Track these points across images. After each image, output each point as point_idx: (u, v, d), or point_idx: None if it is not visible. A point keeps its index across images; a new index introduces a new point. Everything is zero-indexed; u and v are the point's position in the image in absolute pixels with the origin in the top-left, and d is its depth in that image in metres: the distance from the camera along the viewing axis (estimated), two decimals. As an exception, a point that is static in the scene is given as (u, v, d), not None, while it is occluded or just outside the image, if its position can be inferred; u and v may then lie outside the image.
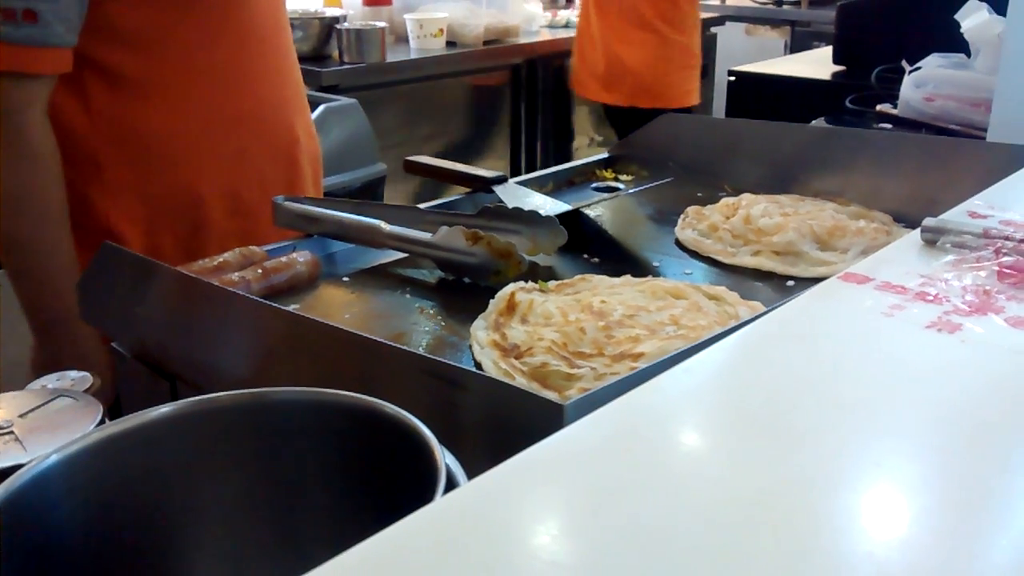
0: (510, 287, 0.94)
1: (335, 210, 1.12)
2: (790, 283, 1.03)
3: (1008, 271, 0.68)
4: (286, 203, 1.14)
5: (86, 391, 0.79)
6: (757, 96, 2.41)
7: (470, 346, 0.88)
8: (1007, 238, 0.72)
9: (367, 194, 2.26)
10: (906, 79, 1.77)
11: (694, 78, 3.02)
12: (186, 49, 1.19)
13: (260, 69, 1.28)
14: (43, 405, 0.73)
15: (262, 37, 1.28)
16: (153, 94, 1.17)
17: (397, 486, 0.56)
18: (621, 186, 1.42)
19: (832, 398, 0.54)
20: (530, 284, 0.97)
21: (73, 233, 1.17)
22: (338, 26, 2.96)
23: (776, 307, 0.69)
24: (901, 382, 0.56)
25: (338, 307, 1.01)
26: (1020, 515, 0.44)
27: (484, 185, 1.26)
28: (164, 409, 0.60)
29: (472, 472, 0.47)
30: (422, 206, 1.18)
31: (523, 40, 3.58)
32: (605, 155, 1.50)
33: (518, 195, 1.23)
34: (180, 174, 1.21)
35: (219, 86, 1.23)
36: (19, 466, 0.55)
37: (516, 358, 0.82)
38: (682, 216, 1.21)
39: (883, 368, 0.58)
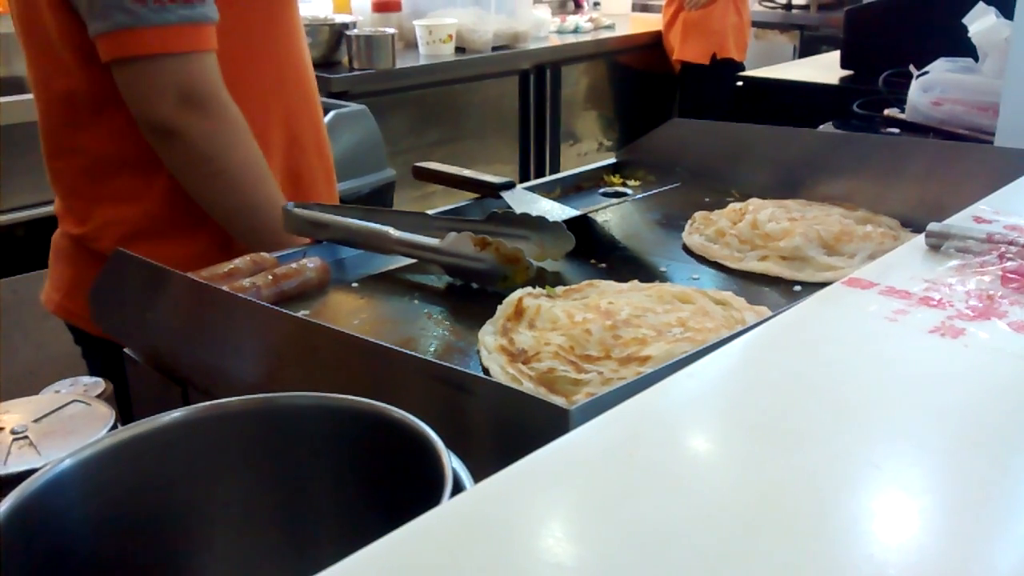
0: (518, 292, 0.95)
1: (344, 216, 1.13)
2: (797, 288, 1.03)
3: (1012, 276, 0.69)
4: (295, 209, 1.15)
5: (98, 397, 0.80)
6: (765, 101, 2.41)
7: (478, 351, 0.88)
8: (1011, 243, 0.72)
9: (376, 200, 2.26)
10: (914, 83, 1.77)
11: None
12: (249, 39, 1.23)
13: (302, 65, 1.33)
14: (57, 410, 0.75)
15: (300, 35, 1.33)
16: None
17: (404, 490, 0.56)
18: (629, 191, 1.42)
19: (835, 403, 0.54)
20: (538, 289, 0.97)
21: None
22: (348, 32, 2.97)
23: (780, 312, 0.69)
24: (904, 387, 0.56)
25: (347, 313, 1.01)
26: (1021, 518, 0.44)
27: (492, 191, 1.27)
28: (175, 414, 0.61)
29: (480, 477, 0.47)
30: (430, 212, 1.19)
31: (532, 46, 3.60)
32: (613, 160, 1.51)
33: (526, 201, 1.24)
34: None
35: (276, 77, 1.27)
36: (33, 470, 0.56)
37: (524, 363, 0.83)
38: (689, 221, 1.22)
39: (886, 373, 0.58)
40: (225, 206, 1.19)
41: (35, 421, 0.73)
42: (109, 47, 1.10)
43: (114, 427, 0.75)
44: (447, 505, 0.47)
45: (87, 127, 1.20)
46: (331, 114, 2.17)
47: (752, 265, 1.09)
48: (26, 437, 0.70)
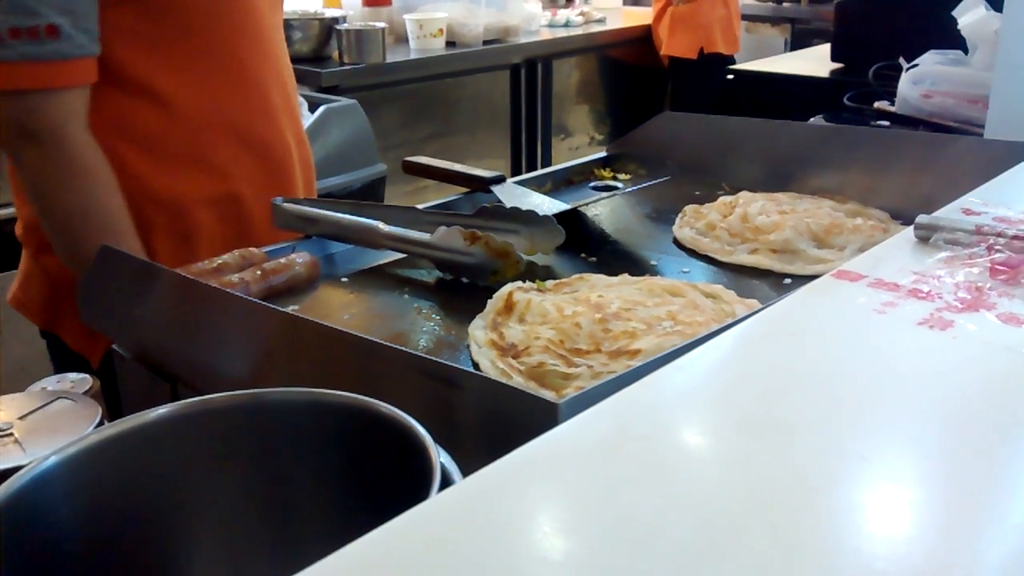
0: (508, 287, 0.95)
1: (333, 211, 1.13)
2: (787, 281, 1.03)
3: (1000, 268, 0.69)
4: (285, 204, 1.14)
5: (84, 393, 0.80)
6: (755, 94, 2.41)
7: (468, 346, 0.88)
8: (999, 235, 0.72)
9: (368, 195, 2.26)
10: (903, 76, 1.77)
11: None
12: (188, 55, 1.19)
13: (258, 76, 1.27)
14: (42, 407, 0.74)
15: (264, 44, 1.28)
16: (154, 96, 1.17)
17: (393, 485, 0.56)
18: (619, 185, 1.42)
19: (824, 395, 0.54)
20: (528, 284, 0.97)
21: None
22: (338, 27, 2.96)
23: (769, 305, 0.69)
24: (892, 379, 0.56)
25: (337, 308, 1.01)
26: (1009, 510, 0.44)
27: (482, 185, 1.27)
28: (161, 410, 0.60)
29: (469, 471, 0.47)
30: (420, 206, 1.18)
31: (523, 39, 3.59)
32: (603, 154, 1.51)
33: (516, 195, 1.23)
34: (172, 179, 1.21)
35: (219, 92, 1.23)
36: (19, 468, 0.55)
37: (514, 357, 0.83)
38: (680, 215, 1.22)
39: (875, 365, 0.58)
40: (55, 245, 1.17)
41: (20, 418, 0.72)
42: None
43: (100, 424, 0.75)
44: (435, 500, 0.47)
45: None
46: (321, 109, 2.16)
47: (742, 258, 1.09)
48: (11, 434, 0.69)
